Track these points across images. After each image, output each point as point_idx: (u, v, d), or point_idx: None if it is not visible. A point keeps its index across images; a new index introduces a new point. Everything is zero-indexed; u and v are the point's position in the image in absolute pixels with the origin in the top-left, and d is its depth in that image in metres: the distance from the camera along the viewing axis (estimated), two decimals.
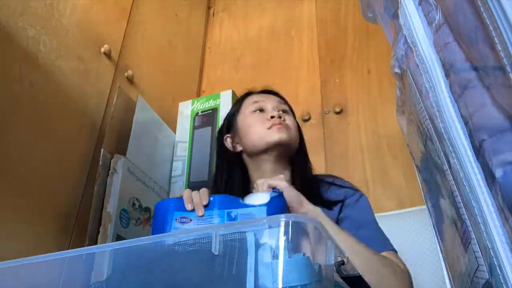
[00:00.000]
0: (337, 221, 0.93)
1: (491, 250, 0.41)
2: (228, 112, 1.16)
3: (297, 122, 1.11)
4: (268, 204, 0.74)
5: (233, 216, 0.73)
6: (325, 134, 1.59)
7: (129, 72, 1.46)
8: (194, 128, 1.53)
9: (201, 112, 1.54)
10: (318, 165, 1.34)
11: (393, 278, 0.81)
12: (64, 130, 1.16)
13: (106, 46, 1.36)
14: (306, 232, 0.48)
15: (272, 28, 1.98)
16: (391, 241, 0.92)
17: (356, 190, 1.01)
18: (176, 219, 0.75)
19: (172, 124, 1.56)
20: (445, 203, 0.54)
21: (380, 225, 0.96)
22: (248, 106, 1.09)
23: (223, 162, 1.09)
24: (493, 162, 0.39)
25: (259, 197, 0.75)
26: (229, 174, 1.06)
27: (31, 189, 1.03)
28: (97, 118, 1.28)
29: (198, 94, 1.92)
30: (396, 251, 0.91)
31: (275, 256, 0.46)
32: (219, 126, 1.17)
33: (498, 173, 0.39)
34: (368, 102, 1.58)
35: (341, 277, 0.66)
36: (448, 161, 0.48)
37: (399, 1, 0.56)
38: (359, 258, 0.76)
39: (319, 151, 1.54)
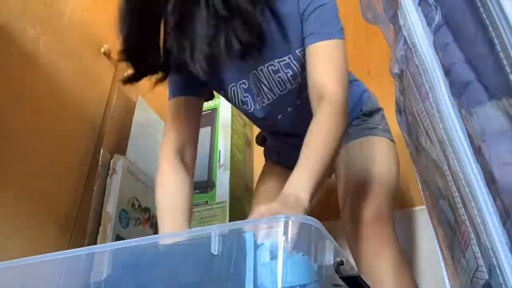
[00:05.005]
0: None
1: (490, 251, 0.41)
2: None
3: None
4: None
5: None
6: None
7: (129, 72, 1.46)
8: None
9: None
10: None
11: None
12: (64, 130, 1.16)
13: (106, 46, 1.36)
14: (305, 232, 0.48)
15: None
16: None
17: None
18: None
19: None
20: (445, 204, 0.54)
21: None
22: None
23: None
24: (492, 163, 0.39)
25: None
26: None
27: (30, 189, 1.03)
28: (97, 118, 1.28)
29: None
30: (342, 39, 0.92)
31: (274, 256, 0.46)
32: None
33: (498, 173, 0.39)
34: None
35: (340, 277, 0.66)
36: (448, 162, 0.48)
37: (398, 2, 0.56)
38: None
39: None
